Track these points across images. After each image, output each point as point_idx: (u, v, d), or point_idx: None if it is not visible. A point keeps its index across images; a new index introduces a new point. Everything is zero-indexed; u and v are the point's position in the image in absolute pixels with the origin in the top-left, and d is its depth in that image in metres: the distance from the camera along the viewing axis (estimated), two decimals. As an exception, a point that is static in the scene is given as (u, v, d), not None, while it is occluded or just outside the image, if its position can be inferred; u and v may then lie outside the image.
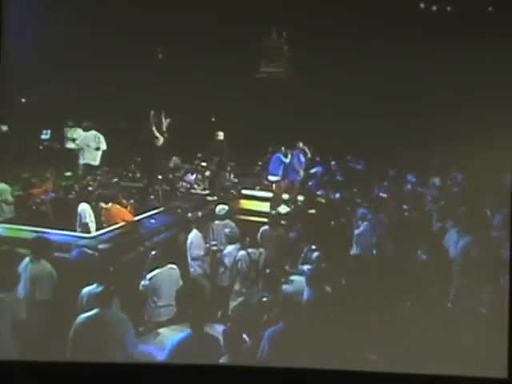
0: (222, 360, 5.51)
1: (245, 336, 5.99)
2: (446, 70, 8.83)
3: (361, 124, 9.14)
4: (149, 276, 6.78)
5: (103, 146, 9.29)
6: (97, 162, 9.35)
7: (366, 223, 8.08)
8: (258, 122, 9.47)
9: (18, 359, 5.69)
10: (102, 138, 9.31)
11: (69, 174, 8.91)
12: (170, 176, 9.64)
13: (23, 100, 9.43)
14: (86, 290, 6.07)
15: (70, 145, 9.57)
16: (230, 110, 9.57)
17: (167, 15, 8.97)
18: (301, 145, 9.77)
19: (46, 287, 6.18)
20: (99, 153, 9.30)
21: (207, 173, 9.81)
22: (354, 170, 10.11)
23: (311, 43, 9.32)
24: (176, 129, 9.61)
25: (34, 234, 7.01)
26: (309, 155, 9.78)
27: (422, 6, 9.36)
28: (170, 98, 9.20)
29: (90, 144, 9.34)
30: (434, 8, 9.38)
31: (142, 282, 6.75)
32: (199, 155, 9.95)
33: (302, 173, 9.81)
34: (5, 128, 9.03)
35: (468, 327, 7.23)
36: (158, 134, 9.60)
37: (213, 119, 10.04)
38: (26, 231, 7.14)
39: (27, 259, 6.36)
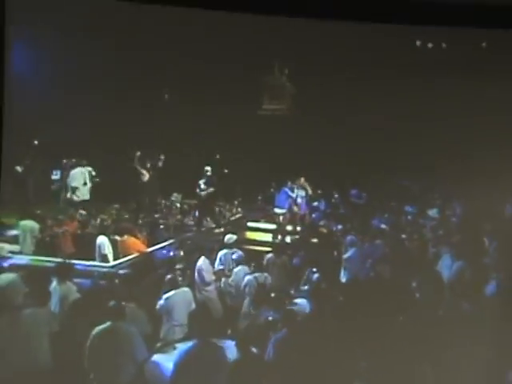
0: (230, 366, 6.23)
1: (252, 348, 6.74)
2: (445, 104, 9.42)
3: (363, 158, 9.79)
4: (165, 296, 7.48)
5: (88, 181, 10.09)
6: (87, 197, 10.11)
7: (354, 248, 8.80)
8: (262, 158, 10.01)
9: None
10: (87, 173, 10.09)
11: (84, 212, 9.59)
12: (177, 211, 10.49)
13: (36, 142, 10.25)
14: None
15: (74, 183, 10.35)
16: (234, 146, 10.18)
17: (169, 54, 9.50)
18: (302, 180, 10.49)
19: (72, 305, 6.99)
20: (87, 187, 10.09)
21: (216, 208, 10.63)
22: (356, 204, 10.88)
23: (313, 80, 9.78)
24: (179, 166, 10.30)
25: (60, 263, 7.67)
26: (309, 192, 10.54)
27: (418, 43, 10.03)
28: (175, 135, 9.83)
29: (80, 181, 10.13)
30: (430, 45, 10.17)
31: (159, 302, 7.48)
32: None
33: (304, 206, 10.55)
34: (20, 169, 9.93)
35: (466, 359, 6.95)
36: (143, 171, 10.34)
37: (217, 156, 10.76)
38: (52, 262, 7.85)
39: (55, 282, 7.13)
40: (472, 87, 9.07)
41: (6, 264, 7.59)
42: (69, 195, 10.16)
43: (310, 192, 10.37)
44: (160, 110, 9.97)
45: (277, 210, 10.48)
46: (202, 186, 10.57)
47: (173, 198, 10.52)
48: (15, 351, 6.03)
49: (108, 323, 6.28)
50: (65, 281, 7.20)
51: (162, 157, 10.44)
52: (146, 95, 9.77)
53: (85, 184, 10.13)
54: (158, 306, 7.47)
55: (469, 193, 9.34)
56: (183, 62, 9.53)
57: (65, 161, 10.31)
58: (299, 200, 10.41)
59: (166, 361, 6.61)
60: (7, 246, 8.03)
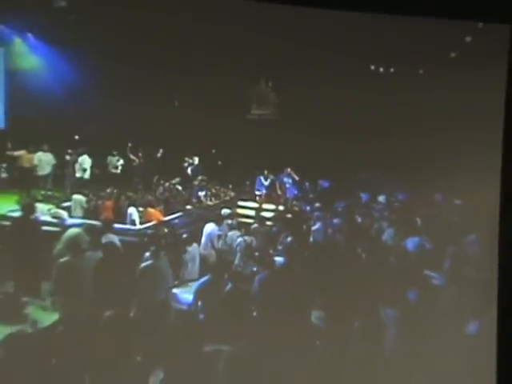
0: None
1: (243, 285, 9.47)
2: (397, 113, 10.96)
3: (328, 155, 11.42)
4: (189, 249, 10.22)
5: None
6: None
7: (320, 222, 11.22)
8: (250, 153, 11.84)
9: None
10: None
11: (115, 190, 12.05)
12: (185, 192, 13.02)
13: (77, 137, 12.49)
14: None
15: (112, 170, 12.95)
16: (228, 143, 11.94)
17: (173, 60, 11.23)
18: (289, 170, 12.63)
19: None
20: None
21: (213, 190, 13.21)
22: (322, 191, 12.96)
23: (291, 92, 11.53)
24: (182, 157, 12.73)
25: (103, 225, 10.18)
26: (296, 178, 12.67)
27: (372, 67, 11.72)
28: (177, 133, 11.69)
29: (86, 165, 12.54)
30: (382, 70, 11.81)
31: (185, 255, 10.21)
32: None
33: (285, 190, 12.83)
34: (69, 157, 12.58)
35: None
36: (133, 157, 12.73)
37: (213, 151, 12.74)
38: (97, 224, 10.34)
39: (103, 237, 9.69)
40: (424, 89, 10.59)
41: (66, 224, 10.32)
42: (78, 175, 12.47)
43: (295, 179, 12.66)
44: (170, 114, 11.90)
45: (256, 192, 12.87)
46: (190, 173, 12.80)
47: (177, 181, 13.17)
48: (81, 281, 8.78)
49: (149, 261, 9.01)
50: (107, 235, 9.75)
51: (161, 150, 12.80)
52: (157, 103, 11.77)
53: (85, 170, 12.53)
54: (184, 257, 10.18)
55: (409, 184, 11.36)
56: (188, 71, 11.37)
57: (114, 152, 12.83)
58: (281, 185, 12.77)
59: (185, 293, 9.41)
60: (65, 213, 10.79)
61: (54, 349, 7.53)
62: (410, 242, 10.35)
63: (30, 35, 11.19)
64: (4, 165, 11.89)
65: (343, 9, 9.19)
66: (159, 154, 12.77)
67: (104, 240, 9.63)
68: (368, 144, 11.27)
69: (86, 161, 12.52)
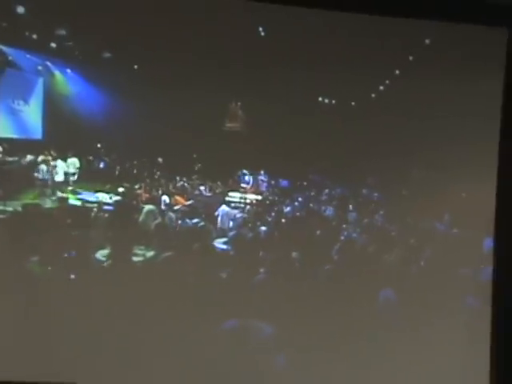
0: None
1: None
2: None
3: (287, 160, 15.07)
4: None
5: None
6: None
7: (288, 206, 16.44)
8: (227, 158, 15.30)
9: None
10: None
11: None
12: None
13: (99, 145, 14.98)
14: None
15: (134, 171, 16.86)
16: (207, 150, 15.06)
17: (174, 87, 13.83)
18: (262, 172, 16.67)
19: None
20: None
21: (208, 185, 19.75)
22: (281, 186, 17.45)
23: (255, 111, 14.64)
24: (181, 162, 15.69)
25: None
26: (265, 178, 16.90)
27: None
28: (180, 145, 14.86)
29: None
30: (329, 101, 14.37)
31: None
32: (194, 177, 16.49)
33: (260, 185, 17.35)
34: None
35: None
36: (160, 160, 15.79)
37: (194, 155, 15.68)
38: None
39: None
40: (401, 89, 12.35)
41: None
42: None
43: (266, 178, 16.81)
44: (172, 130, 14.60)
45: (242, 185, 17.23)
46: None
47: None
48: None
49: (202, 223, 15.98)
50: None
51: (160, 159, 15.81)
52: (160, 119, 14.45)
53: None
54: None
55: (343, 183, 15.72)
56: (181, 99, 14.23)
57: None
58: (258, 182, 17.17)
59: (219, 243, 15.90)
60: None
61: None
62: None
63: (68, 70, 13.99)
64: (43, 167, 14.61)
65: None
66: (169, 160, 15.87)
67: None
68: (318, 150, 14.41)
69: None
